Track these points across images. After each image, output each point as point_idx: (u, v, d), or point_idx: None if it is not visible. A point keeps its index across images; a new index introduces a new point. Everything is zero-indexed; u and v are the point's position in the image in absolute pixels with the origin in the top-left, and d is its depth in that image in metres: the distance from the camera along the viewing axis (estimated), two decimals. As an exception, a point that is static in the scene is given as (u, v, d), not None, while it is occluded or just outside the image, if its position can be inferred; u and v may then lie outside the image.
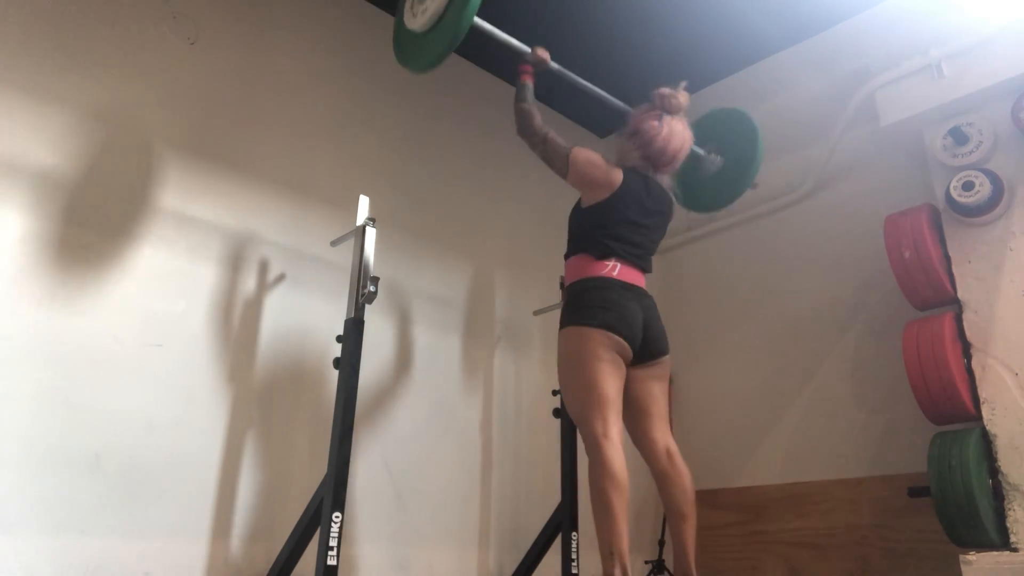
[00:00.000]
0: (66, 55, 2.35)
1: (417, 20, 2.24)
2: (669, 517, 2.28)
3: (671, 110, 2.36)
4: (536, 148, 2.35)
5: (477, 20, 2.19)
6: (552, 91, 3.88)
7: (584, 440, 2.13)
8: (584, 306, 2.19)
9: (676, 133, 2.36)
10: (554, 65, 2.50)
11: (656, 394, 2.30)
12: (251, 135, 2.76)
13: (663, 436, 2.28)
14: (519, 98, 2.39)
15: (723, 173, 2.94)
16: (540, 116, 2.35)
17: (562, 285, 3.24)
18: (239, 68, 2.81)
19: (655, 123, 2.34)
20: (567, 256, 2.40)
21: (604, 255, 2.26)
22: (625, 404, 2.25)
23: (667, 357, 2.32)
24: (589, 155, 2.32)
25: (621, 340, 2.15)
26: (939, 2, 3.11)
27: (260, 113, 2.82)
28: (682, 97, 2.39)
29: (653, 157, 2.36)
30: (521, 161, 3.89)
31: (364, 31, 3.31)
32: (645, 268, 2.36)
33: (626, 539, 1.96)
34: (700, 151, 2.91)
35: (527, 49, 2.42)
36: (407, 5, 2.34)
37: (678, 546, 2.23)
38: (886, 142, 3.31)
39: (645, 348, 2.23)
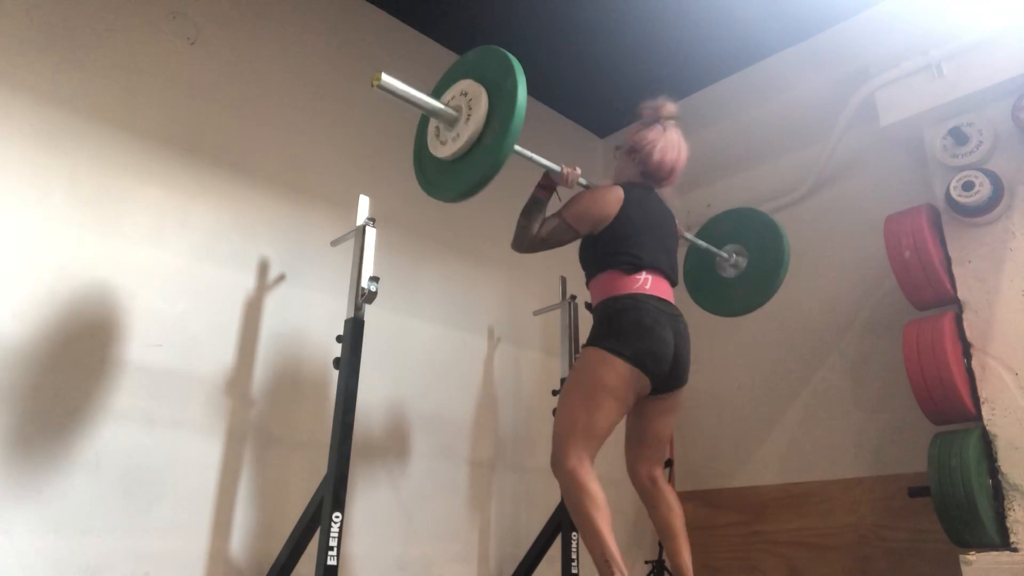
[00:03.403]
0: (65, 54, 2.35)
1: (446, 148, 2.00)
2: (662, 538, 2.27)
3: (662, 118, 2.31)
4: (542, 248, 2.26)
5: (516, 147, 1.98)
6: (552, 89, 3.89)
7: (555, 462, 2.04)
8: (617, 330, 2.08)
9: (672, 145, 2.30)
10: (583, 181, 2.31)
11: (659, 431, 2.27)
12: (251, 135, 2.76)
13: (648, 467, 2.28)
14: (528, 215, 2.23)
15: (744, 279, 2.86)
16: (536, 224, 2.24)
17: (563, 285, 3.26)
18: (239, 68, 2.81)
19: (651, 136, 2.29)
20: (591, 277, 2.27)
21: (634, 268, 2.17)
22: (626, 428, 2.29)
23: (684, 387, 2.26)
24: (579, 205, 2.24)
25: (643, 376, 2.07)
26: (939, 2, 3.11)
27: (260, 112, 2.82)
28: (670, 105, 2.33)
29: (652, 172, 2.31)
30: (521, 161, 3.89)
31: (364, 30, 3.31)
32: (673, 279, 2.28)
33: (614, 544, 1.92)
34: (722, 253, 2.85)
35: (557, 168, 2.24)
36: (431, 132, 2.10)
37: (671, 559, 2.22)
38: (886, 142, 3.32)
39: (667, 380, 2.15)
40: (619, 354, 2.04)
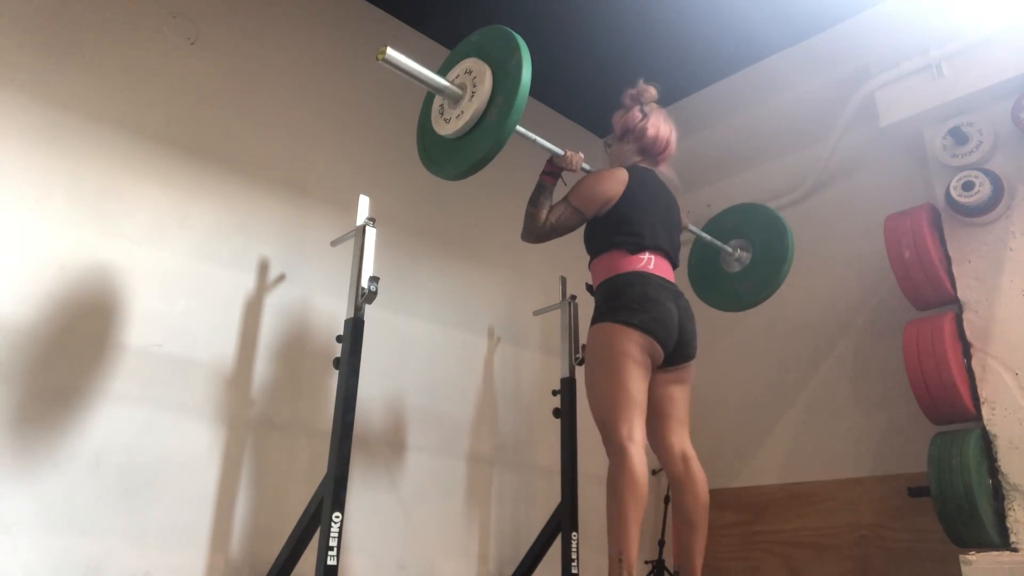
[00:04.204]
0: (66, 54, 2.35)
1: (450, 125, 2.01)
2: (679, 523, 2.24)
3: (645, 101, 2.41)
4: (551, 236, 2.28)
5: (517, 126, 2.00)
6: (552, 89, 3.89)
7: (607, 442, 2.08)
8: (622, 303, 2.14)
9: (662, 121, 2.40)
10: (586, 166, 2.36)
11: (676, 398, 2.27)
12: (251, 135, 2.76)
13: (679, 440, 2.25)
14: (536, 203, 2.25)
15: (748, 273, 2.89)
16: (544, 211, 2.26)
17: (563, 285, 3.26)
18: (239, 68, 2.81)
19: (638, 115, 2.38)
20: (594, 256, 2.32)
21: (638, 248, 2.22)
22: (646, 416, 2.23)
23: (693, 361, 2.29)
24: (585, 188, 2.28)
25: (655, 343, 2.11)
26: (939, 2, 3.11)
27: (260, 112, 2.82)
28: (651, 88, 2.43)
29: (649, 148, 2.39)
30: (522, 161, 3.89)
31: (364, 30, 3.31)
32: (674, 261, 2.33)
33: (636, 548, 1.92)
34: (727, 248, 2.89)
35: (560, 152, 2.29)
36: (435, 110, 2.12)
37: (684, 553, 2.19)
38: (886, 142, 3.32)
39: (676, 352, 2.19)
40: (629, 323, 2.10)
